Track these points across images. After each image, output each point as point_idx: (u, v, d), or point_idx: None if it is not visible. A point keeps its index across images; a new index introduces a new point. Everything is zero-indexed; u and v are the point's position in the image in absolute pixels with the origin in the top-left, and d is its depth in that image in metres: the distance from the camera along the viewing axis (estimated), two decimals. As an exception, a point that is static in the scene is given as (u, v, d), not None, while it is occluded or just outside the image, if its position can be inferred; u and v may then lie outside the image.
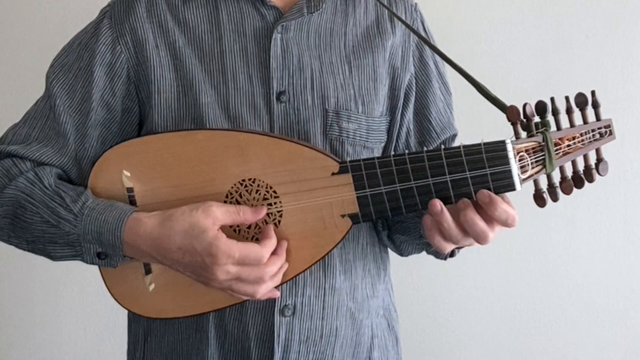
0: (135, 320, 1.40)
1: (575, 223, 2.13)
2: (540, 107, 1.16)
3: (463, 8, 2.06)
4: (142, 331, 1.38)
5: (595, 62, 2.06)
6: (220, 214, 1.17)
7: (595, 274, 2.15)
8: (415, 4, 1.43)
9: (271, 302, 1.28)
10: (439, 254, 1.39)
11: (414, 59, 1.40)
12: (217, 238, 1.15)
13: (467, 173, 1.15)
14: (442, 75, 1.44)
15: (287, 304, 1.29)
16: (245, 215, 1.19)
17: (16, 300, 2.10)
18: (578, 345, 2.18)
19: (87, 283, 2.04)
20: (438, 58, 1.43)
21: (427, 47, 1.41)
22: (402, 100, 1.39)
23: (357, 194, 1.19)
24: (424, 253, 1.46)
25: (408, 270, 2.05)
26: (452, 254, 1.38)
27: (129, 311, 1.33)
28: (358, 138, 1.32)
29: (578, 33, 2.06)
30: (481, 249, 2.07)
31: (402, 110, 1.40)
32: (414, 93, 1.40)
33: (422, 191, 1.17)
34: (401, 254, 1.46)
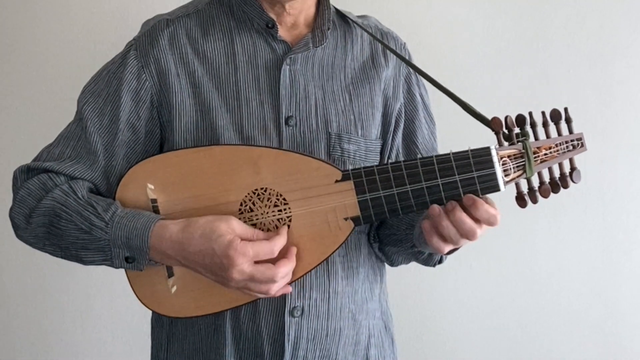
0: (158, 326, 1.40)
1: (559, 240, 2.14)
2: (520, 119, 1.20)
3: (453, 45, 2.08)
4: (165, 335, 1.39)
5: (576, 94, 2.08)
6: (238, 226, 1.20)
7: (576, 285, 2.15)
8: (404, 42, 1.47)
9: (282, 304, 1.29)
10: (428, 262, 1.40)
11: (403, 90, 1.43)
12: (233, 241, 1.17)
13: (457, 176, 1.17)
14: (427, 107, 1.47)
15: (296, 305, 1.30)
16: (258, 237, 1.21)
17: (51, 310, 2.10)
18: (561, 350, 2.17)
19: (115, 294, 2.03)
20: (424, 92, 1.46)
21: (414, 82, 1.44)
22: (393, 126, 1.42)
23: (358, 198, 1.20)
24: (413, 263, 1.47)
25: (406, 280, 2.05)
26: (440, 260, 1.40)
27: (153, 312, 1.34)
28: (358, 158, 1.35)
29: (561, 68, 2.09)
30: (473, 265, 2.09)
31: (392, 135, 1.42)
32: (402, 120, 1.43)
33: (416, 194, 1.19)
34: (391, 264, 1.47)
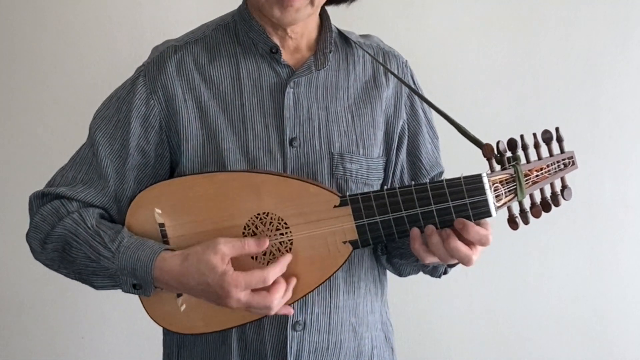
0: (169, 335, 1.42)
1: (549, 251, 2.17)
2: (512, 144, 1.19)
3: (452, 64, 2.10)
4: (176, 344, 1.40)
5: (565, 111, 2.11)
6: (227, 249, 1.20)
7: (566, 291, 2.19)
8: (406, 60, 1.45)
9: (285, 318, 1.31)
10: (433, 273, 1.41)
11: (405, 107, 1.41)
12: (225, 273, 1.18)
13: (450, 203, 1.17)
14: (429, 121, 1.45)
15: (298, 320, 1.31)
16: (250, 247, 1.22)
17: (68, 316, 2.14)
18: (553, 354, 2.21)
19: (129, 305, 2.04)
20: (426, 107, 1.44)
21: (416, 98, 1.42)
22: (396, 143, 1.40)
23: (355, 223, 1.21)
24: (419, 274, 1.47)
25: (405, 290, 2.08)
26: (445, 271, 1.40)
27: (164, 328, 1.36)
28: (360, 176, 1.34)
29: (551, 87, 2.11)
30: (469, 274, 2.10)
31: (396, 152, 1.41)
32: (406, 137, 1.42)
33: (411, 219, 1.19)
34: (400, 275, 1.47)
